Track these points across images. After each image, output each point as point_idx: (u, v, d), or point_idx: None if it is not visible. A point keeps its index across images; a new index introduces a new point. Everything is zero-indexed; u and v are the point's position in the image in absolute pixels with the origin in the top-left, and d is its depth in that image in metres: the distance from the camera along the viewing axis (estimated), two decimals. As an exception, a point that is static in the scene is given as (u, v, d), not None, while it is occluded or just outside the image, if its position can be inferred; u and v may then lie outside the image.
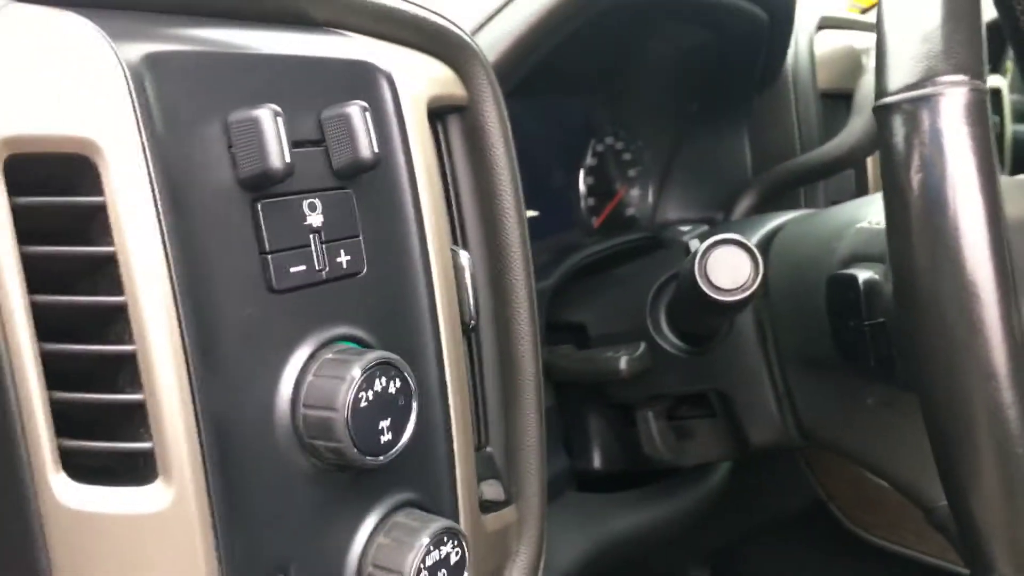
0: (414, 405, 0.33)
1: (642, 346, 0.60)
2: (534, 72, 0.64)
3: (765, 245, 0.61)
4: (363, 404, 0.31)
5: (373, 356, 0.31)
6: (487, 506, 0.43)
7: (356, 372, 0.30)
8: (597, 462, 0.69)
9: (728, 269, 0.49)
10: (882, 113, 0.41)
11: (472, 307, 0.42)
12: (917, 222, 0.39)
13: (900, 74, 0.41)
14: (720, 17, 0.83)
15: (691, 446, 0.66)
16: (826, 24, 0.95)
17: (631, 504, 0.69)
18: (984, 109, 0.39)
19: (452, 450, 0.38)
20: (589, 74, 0.89)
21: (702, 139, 0.94)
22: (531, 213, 0.87)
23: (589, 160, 0.92)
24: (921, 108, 0.39)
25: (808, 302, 0.55)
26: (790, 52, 0.92)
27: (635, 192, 0.95)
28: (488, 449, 0.47)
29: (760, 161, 0.92)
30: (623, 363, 0.59)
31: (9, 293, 0.26)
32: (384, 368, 0.31)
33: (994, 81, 1.81)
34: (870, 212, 0.56)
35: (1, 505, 0.27)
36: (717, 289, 0.49)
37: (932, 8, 0.41)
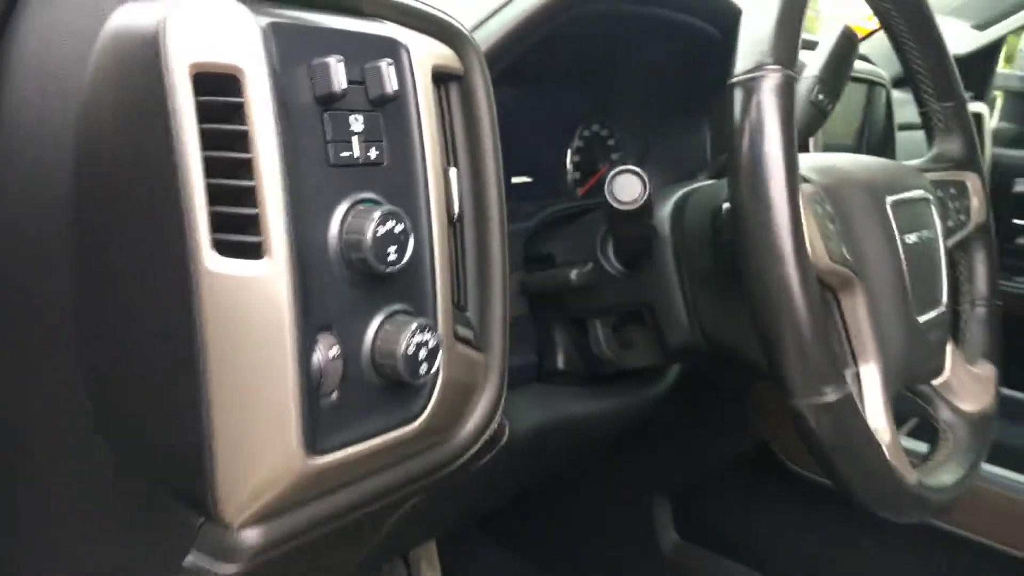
0: (411, 241, 0.54)
1: (590, 265, 0.81)
2: (535, 65, 0.85)
3: (685, 199, 0.82)
4: (379, 234, 0.52)
5: (387, 207, 0.53)
6: (460, 339, 0.64)
7: (377, 214, 0.52)
8: (560, 363, 0.90)
9: (627, 188, 0.70)
10: (729, 90, 0.62)
11: (457, 205, 0.63)
12: (743, 163, 0.60)
13: (743, 62, 0.61)
14: (683, 32, 1.03)
15: (630, 352, 0.87)
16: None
17: (583, 396, 0.90)
18: (791, 89, 0.60)
19: (436, 288, 0.59)
20: (581, 72, 1.10)
21: (673, 131, 1.14)
22: (525, 179, 1.08)
23: (577, 142, 1.13)
24: (751, 85, 0.60)
25: (704, 233, 0.75)
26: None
27: (615, 172, 1.15)
28: (467, 313, 0.68)
29: (717, 148, 1.13)
30: (573, 275, 0.80)
31: (191, 151, 0.48)
32: (393, 215, 0.53)
33: (976, 107, 1.98)
34: None
35: (176, 271, 0.49)
36: (619, 202, 0.70)
37: (768, 20, 0.62)
